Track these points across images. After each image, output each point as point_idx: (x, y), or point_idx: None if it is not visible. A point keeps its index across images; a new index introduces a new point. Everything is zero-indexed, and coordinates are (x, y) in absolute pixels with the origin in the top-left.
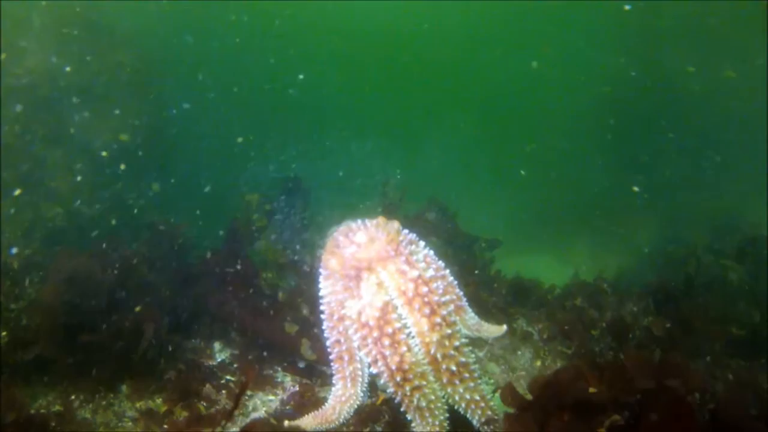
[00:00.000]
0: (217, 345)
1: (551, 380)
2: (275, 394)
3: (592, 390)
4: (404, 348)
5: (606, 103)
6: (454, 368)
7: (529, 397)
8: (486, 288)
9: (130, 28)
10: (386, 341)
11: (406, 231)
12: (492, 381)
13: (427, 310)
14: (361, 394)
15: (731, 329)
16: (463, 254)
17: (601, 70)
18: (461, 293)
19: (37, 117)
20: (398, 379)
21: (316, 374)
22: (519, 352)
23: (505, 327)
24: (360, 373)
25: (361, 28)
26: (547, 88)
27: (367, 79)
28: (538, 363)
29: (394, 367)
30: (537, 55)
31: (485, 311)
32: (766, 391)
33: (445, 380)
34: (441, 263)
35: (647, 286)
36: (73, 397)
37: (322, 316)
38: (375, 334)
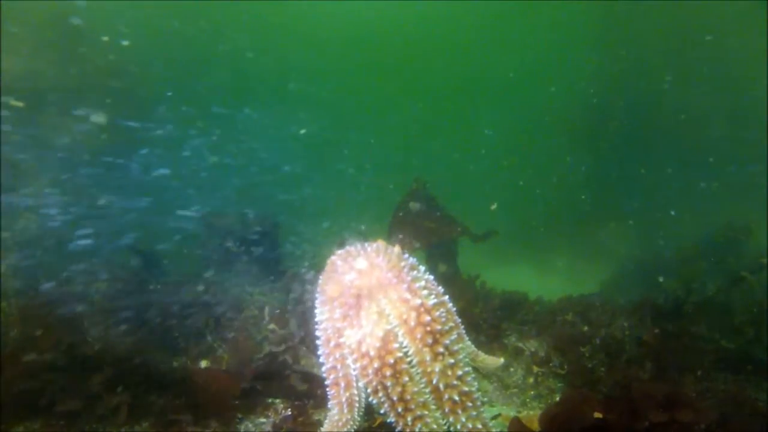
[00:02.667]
0: (203, 364)
1: (559, 411)
2: (267, 417)
3: (597, 415)
4: (406, 378)
5: (591, 111)
6: (456, 398)
7: (535, 426)
8: (475, 303)
9: (108, 30)
10: (387, 372)
11: (406, 255)
12: (486, 399)
13: (429, 340)
14: (358, 419)
15: (721, 343)
16: (450, 267)
17: (589, 77)
18: (459, 321)
19: (13, 120)
20: (400, 409)
21: (309, 396)
22: (511, 369)
23: (501, 360)
24: (357, 398)
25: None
26: (533, 94)
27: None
28: (531, 380)
29: (395, 398)
30: (519, 61)
31: (476, 327)
32: (765, 411)
33: (447, 409)
34: (441, 289)
35: (640, 301)
36: (53, 422)
37: (318, 342)
38: (376, 364)
